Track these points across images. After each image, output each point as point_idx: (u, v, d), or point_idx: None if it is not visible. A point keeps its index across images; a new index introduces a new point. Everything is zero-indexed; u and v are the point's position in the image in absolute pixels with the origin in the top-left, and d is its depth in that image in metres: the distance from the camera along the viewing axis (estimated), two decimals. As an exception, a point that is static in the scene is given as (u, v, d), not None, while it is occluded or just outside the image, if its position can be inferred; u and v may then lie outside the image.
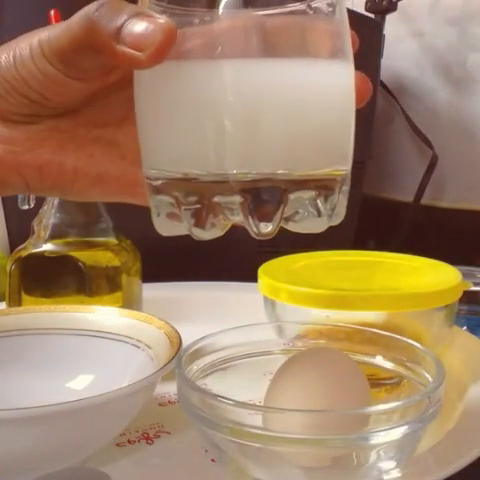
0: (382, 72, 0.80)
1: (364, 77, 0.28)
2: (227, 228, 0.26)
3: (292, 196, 0.25)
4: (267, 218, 0.25)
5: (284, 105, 0.24)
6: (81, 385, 0.40)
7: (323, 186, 0.26)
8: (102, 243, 0.49)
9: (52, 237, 0.48)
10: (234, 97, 0.24)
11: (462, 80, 0.84)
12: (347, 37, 0.26)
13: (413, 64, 0.88)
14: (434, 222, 0.87)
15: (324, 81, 0.25)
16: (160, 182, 0.26)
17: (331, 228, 0.80)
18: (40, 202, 0.50)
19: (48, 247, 0.48)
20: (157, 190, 0.27)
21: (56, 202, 0.49)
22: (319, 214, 0.26)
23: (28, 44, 0.27)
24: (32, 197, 0.50)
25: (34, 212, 0.50)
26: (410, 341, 0.37)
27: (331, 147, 0.26)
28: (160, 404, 0.42)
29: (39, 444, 0.30)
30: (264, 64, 0.24)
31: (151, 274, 0.53)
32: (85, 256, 0.48)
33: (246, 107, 0.24)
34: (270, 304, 0.46)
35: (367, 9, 0.82)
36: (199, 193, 0.25)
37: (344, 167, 0.27)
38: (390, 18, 0.82)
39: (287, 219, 0.26)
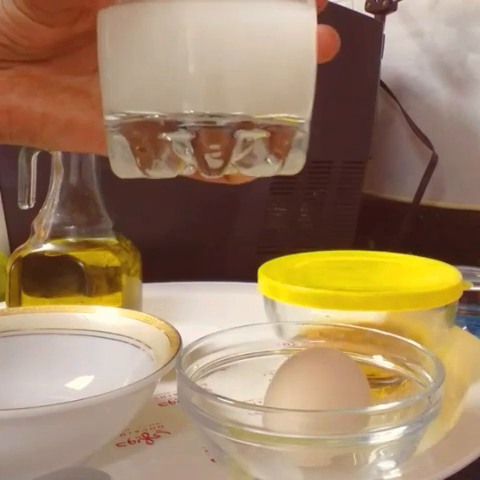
0: (382, 72, 0.79)
1: (332, 30, 0.28)
2: (179, 170, 0.27)
3: (242, 136, 0.25)
4: (217, 154, 0.25)
5: (241, 46, 0.25)
6: (81, 385, 0.40)
7: (276, 131, 0.26)
8: (102, 243, 0.49)
9: (52, 237, 0.48)
10: (192, 37, 0.25)
11: (462, 80, 0.84)
12: None
13: (413, 64, 0.88)
14: (434, 222, 0.87)
15: (283, 23, 0.26)
16: (117, 124, 0.27)
17: (331, 228, 0.80)
18: (40, 202, 0.50)
19: (48, 247, 0.48)
20: (114, 133, 0.27)
21: (56, 202, 0.49)
22: (270, 160, 0.27)
23: None
24: (32, 197, 0.50)
25: (34, 212, 0.50)
26: (410, 341, 0.37)
27: (287, 93, 0.26)
28: (160, 404, 0.42)
29: (39, 444, 0.30)
30: (223, 4, 0.25)
31: (151, 274, 0.53)
32: (85, 256, 0.48)
33: (204, 48, 0.25)
34: (270, 304, 0.46)
35: (367, 9, 0.82)
36: (152, 133, 0.26)
37: (299, 115, 0.27)
38: (390, 18, 0.81)
39: (240, 163, 0.26)
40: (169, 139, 0.25)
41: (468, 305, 0.54)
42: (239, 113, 0.25)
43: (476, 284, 0.55)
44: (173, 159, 0.26)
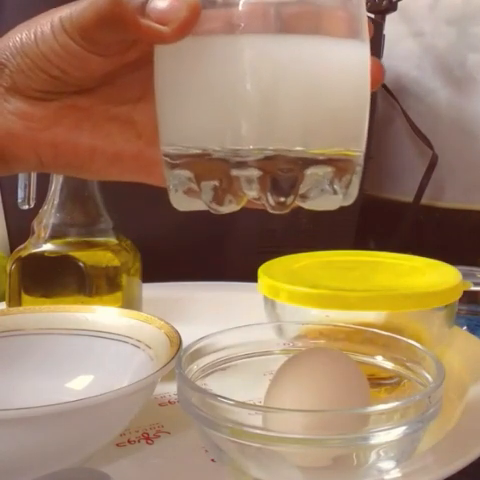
0: (382, 72, 0.80)
1: (378, 61, 0.28)
2: (243, 203, 0.27)
3: (308, 171, 0.25)
4: (284, 192, 0.25)
5: (301, 82, 0.25)
6: (81, 385, 0.40)
7: (338, 165, 0.26)
8: (102, 243, 0.49)
9: (52, 237, 0.48)
10: (253, 73, 0.25)
11: (462, 80, 0.84)
12: (364, 20, 0.28)
13: (413, 64, 0.88)
14: (434, 222, 0.87)
15: (341, 59, 0.26)
16: (178, 158, 0.27)
17: (331, 228, 0.79)
18: (40, 202, 0.50)
19: (48, 247, 0.48)
20: (174, 166, 0.27)
21: (56, 202, 0.49)
22: (334, 192, 0.27)
23: (49, 21, 0.27)
24: (32, 197, 0.50)
25: (34, 212, 0.50)
26: (410, 341, 0.37)
27: (346, 126, 0.27)
28: (160, 404, 0.41)
29: (39, 444, 0.30)
30: (283, 41, 0.25)
31: (151, 274, 0.53)
32: (85, 256, 0.48)
33: (264, 83, 0.25)
34: (270, 304, 0.46)
35: (367, 9, 0.82)
36: (217, 168, 0.26)
37: (358, 148, 0.28)
38: (390, 18, 0.81)
39: (302, 196, 0.26)
40: (236, 175, 0.25)
41: (468, 305, 0.54)
42: (301, 148, 0.25)
43: (476, 284, 0.55)
44: (237, 193, 0.26)
